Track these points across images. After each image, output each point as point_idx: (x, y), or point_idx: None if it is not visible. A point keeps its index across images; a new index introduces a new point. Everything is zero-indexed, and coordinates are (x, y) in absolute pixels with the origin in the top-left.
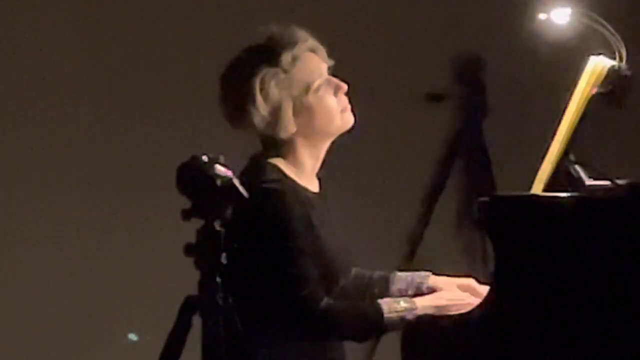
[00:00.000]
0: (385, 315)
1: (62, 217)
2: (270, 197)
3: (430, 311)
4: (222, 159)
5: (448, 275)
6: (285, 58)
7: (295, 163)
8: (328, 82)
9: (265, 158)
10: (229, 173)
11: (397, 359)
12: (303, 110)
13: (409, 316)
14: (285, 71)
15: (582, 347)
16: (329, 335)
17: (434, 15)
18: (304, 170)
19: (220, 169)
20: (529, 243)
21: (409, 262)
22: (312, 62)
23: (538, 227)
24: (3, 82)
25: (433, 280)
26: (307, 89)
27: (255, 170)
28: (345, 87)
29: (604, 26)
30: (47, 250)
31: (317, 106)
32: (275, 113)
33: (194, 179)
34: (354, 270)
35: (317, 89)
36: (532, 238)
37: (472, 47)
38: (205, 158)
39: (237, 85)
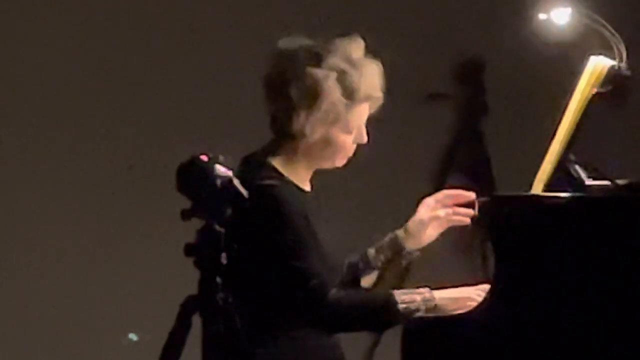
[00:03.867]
0: (399, 304)
1: (62, 217)
2: (268, 193)
3: (446, 304)
4: (222, 159)
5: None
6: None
7: (292, 165)
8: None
9: (260, 157)
10: (229, 173)
11: (397, 358)
12: (334, 126)
13: (425, 307)
14: (358, 77)
15: (582, 347)
16: (341, 326)
17: (434, 15)
18: (298, 174)
19: (220, 169)
20: (529, 243)
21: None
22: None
23: (538, 227)
24: (4, 82)
25: (407, 229)
26: (357, 100)
27: (251, 169)
28: (364, 141)
29: (604, 26)
30: (47, 250)
31: (341, 132)
32: (328, 110)
33: (194, 179)
34: None
35: (360, 116)
36: (532, 238)
37: (472, 47)
38: (205, 158)
39: (315, 68)
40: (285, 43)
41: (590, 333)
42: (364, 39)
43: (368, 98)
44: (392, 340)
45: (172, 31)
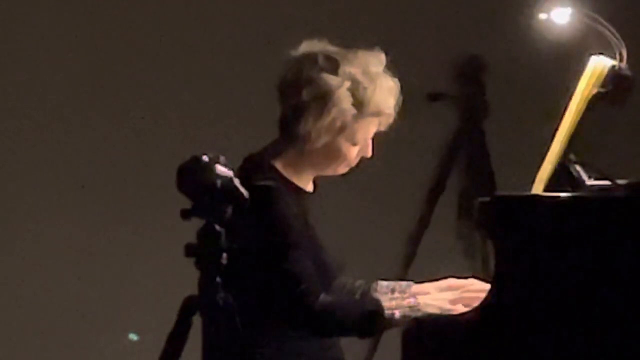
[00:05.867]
0: (386, 311)
1: (62, 217)
2: (264, 194)
3: (432, 310)
4: (222, 159)
5: (449, 277)
6: (380, 83)
7: (294, 167)
8: (366, 138)
9: (261, 158)
10: (229, 173)
11: (397, 359)
12: (340, 135)
13: (412, 313)
14: (372, 90)
15: (583, 347)
16: (327, 331)
17: (434, 15)
18: (300, 176)
19: (220, 169)
20: (529, 243)
21: (409, 263)
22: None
23: (538, 227)
24: (4, 82)
25: (415, 288)
26: (366, 113)
27: (251, 169)
28: (369, 155)
29: (604, 26)
30: (48, 250)
31: (347, 142)
32: (336, 118)
33: (194, 179)
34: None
35: (368, 130)
36: (532, 238)
37: (472, 47)
38: (205, 158)
39: (331, 74)
40: (307, 46)
41: (591, 333)
42: (386, 54)
43: (378, 113)
44: (392, 340)
45: (174, 31)
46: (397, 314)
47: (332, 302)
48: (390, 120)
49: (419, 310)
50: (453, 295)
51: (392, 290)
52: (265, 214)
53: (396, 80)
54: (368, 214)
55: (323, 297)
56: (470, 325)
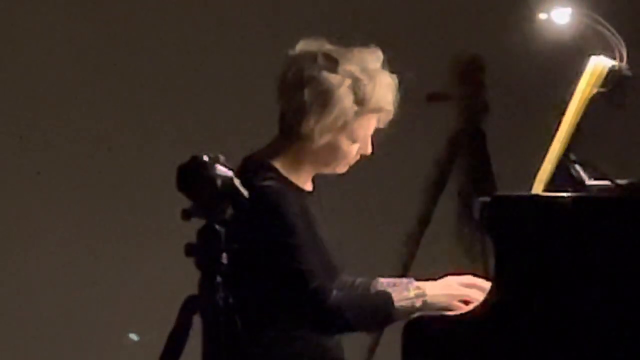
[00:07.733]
0: (396, 303)
1: (62, 216)
2: (266, 194)
3: (439, 299)
4: (222, 159)
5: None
6: (380, 80)
7: (294, 167)
8: (366, 135)
9: (261, 158)
10: (229, 173)
11: (397, 358)
12: (341, 133)
13: (419, 303)
14: (372, 87)
15: (583, 347)
16: (341, 327)
17: (434, 15)
18: (299, 175)
19: (220, 169)
20: (529, 243)
21: (409, 262)
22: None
23: (538, 227)
24: (4, 82)
25: (416, 283)
26: (367, 110)
27: (251, 169)
28: (368, 153)
29: (604, 26)
30: (48, 250)
31: (347, 140)
32: (338, 117)
33: (194, 179)
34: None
35: (368, 127)
36: (532, 238)
37: (472, 47)
38: (205, 158)
39: (331, 73)
40: (305, 45)
41: (591, 333)
42: (384, 52)
43: (378, 110)
44: (392, 340)
45: (173, 30)
46: (406, 302)
47: (343, 298)
48: (390, 116)
49: (425, 297)
50: (456, 290)
51: (394, 285)
52: (269, 214)
53: (394, 76)
54: (368, 214)
55: (335, 293)
56: (470, 324)
